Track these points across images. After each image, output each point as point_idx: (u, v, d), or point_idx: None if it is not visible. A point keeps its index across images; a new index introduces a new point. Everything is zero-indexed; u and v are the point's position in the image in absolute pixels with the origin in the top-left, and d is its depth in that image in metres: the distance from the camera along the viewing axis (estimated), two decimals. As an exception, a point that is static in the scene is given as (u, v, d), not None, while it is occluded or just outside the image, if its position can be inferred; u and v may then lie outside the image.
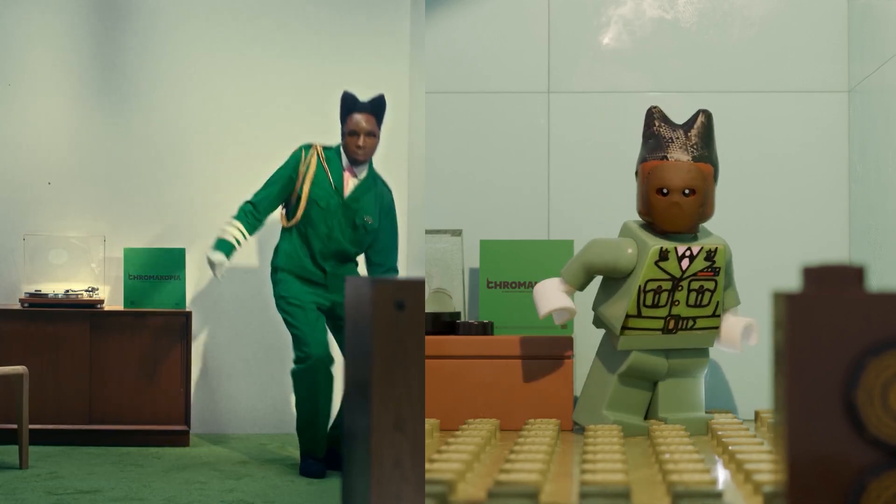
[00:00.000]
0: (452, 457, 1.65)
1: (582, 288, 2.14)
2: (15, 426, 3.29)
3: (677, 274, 2.06)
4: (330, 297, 3.29)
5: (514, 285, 2.35)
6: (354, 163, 3.29)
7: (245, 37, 3.96)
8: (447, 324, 2.33)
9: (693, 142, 2.08)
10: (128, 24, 3.94)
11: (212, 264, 3.26)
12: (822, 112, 2.48)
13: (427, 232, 2.48)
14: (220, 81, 3.95)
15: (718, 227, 2.34)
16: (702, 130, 2.09)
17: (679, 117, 2.28)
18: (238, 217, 3.30)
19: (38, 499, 2.80)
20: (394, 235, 3.35)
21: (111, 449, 3.57)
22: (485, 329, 2.28)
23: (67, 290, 3.78)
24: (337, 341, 3.35)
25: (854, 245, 2.44)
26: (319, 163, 3.29)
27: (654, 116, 2.12)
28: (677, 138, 2.09)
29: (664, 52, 2.52)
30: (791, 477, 1.04)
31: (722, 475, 1.63)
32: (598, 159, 2.50)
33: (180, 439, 3.65)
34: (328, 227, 3.27)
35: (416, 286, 1.23)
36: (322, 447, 3.26)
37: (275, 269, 3.32)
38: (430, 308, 2.41)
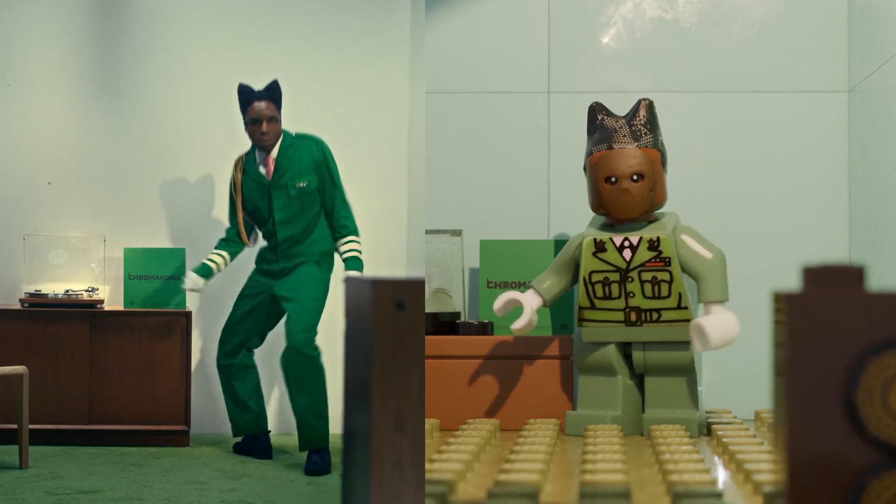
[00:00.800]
0: (452, 457, 1.65)
1: (550, 295, 2.15)
2: (15, 426, 3.29)
3: (622, 265, 2.08)
4: (277, 282, 3.46)
5: (513, 285, 2.35)
6: (262, 149, 3.43)
7: (245, 37, 3.96)
8: (447, 324, 2.33)
9: (637, 129, 2.09)
10: (127, 24, 3.94)
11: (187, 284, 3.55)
12: (822, 112, 2.48)
13: (427, 232, 2.48)
14: (220, 81, 3.95)
15: (719, 228, 2.34)
16: (645, 118, 2.10)
17: (679, 117, 2.28)
18: (218, 246, 3.57)
19: (38, 499, 2.80)
20: (338, 192, 3.45)
21: (111, 449, 3.57)
22: (485, 329, 2.28)
23: (67, 290, 3.78)
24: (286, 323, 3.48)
25: (854, 245, 2.44)
26: (241, 173, 3.47)
27: (595, 111, 2.13)
28: (621, 127, 2.10)
29: (664, 52, 2.51)
30: (791, 477, 1.04)
31: (722, 475, 1.63)
32: (598, 159, 2.50)
33: (180, 439, 3.65)
34: (273, 215, 3.42)
35: (416, 286, 1.23)
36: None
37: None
38: (430, 308, 2.41)
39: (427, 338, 2.21)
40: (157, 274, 3.75)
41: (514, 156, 2.53)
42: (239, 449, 3.56)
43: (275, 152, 3.42)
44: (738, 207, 2.47)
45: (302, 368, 3.36)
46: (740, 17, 2.51)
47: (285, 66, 3.95)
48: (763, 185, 2.49)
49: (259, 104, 3.39)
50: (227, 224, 3.58)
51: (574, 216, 2.50)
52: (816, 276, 1.06)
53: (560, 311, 2.33)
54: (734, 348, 2.42)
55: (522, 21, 2.53)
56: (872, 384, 1.05)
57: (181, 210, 3.96)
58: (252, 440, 3.54)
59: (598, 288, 2.07)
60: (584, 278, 2.09)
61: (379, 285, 1.22)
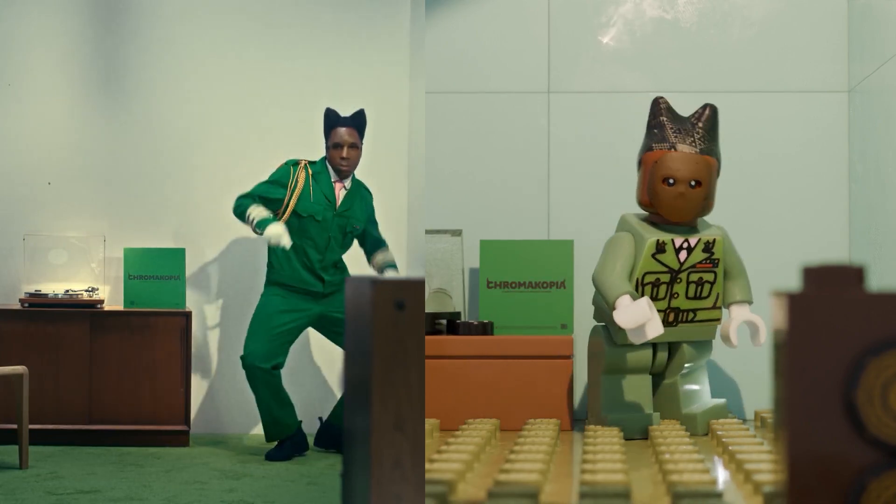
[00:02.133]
0: (452, 457, 1.65)
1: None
2: (15, 426, 3.29)
3: (675, 266, 2.06)
4: (326, 305, 3.43)
5: (514, 285, 2.35)
6: (339, 174, 3.43)
7: (245, 37, 3.96)
8: (447, 324, 2.33)
9: (700, 134, 2.07)
10: (128, 23, 3.94)
11: (273, 240, 3.34)
12: (822, 112, 2.48)
13: (427, 232, 2.48)
14: (221, 81, 3.95)
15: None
16: (707, 124, 2.08)
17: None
18: (247, 204, 3.38)
19: (38, 499, 2.80)
20: (375, 226, 3.53)
21: (111, 449, 3.57)
22: (485, 329, 2.28)
23: (67, 290, 3.78)
24: (337, 343, 3.49)
25: (854, 245, 2.44)
26: (308, 178, 3.41)
27: (660, 106, 2.11)
28: (684, 130, 2.07)
29: (664, 52, 2.51)
30: (791, 477, 1.04)
31: (722, 475, 1.63)
32: (598, 159, 2.50)
33: (180, 439, 3.65)
34: (325, 238, 3.41)
35: (416, 286, 1.23)
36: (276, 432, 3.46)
37: (270, 283, 3.45)
38: (430, 308, 2.41)
39: (427, 338, 2.21)
40: (157, 274, 3.75)
41: (514, 156, 2.53)
42: (276, 455, 3.46)
43: (348, 183, 3.43)
44: (737, 207, 2.47)
45: None
46: (740, 17, 2.51)
47: (285, 66, 3.95)
48: (763, 185, 2.49)
49: (342, 130, 3.41)
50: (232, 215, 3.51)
51: (574, 216, 2.50)
52: (816, 276, 1.06)
53: (560, 310, 2.33)
54: (735, 348, 2.42)
55: (522, 21, 2.53)
56: (872, 384, 1.05)
57: (181, 210, 3.96)
58: (290, 439, 3.49)
59: (648, 290, 2.05)
60: (637, 280, 2.05)
61: (379, 285, 1.22)
